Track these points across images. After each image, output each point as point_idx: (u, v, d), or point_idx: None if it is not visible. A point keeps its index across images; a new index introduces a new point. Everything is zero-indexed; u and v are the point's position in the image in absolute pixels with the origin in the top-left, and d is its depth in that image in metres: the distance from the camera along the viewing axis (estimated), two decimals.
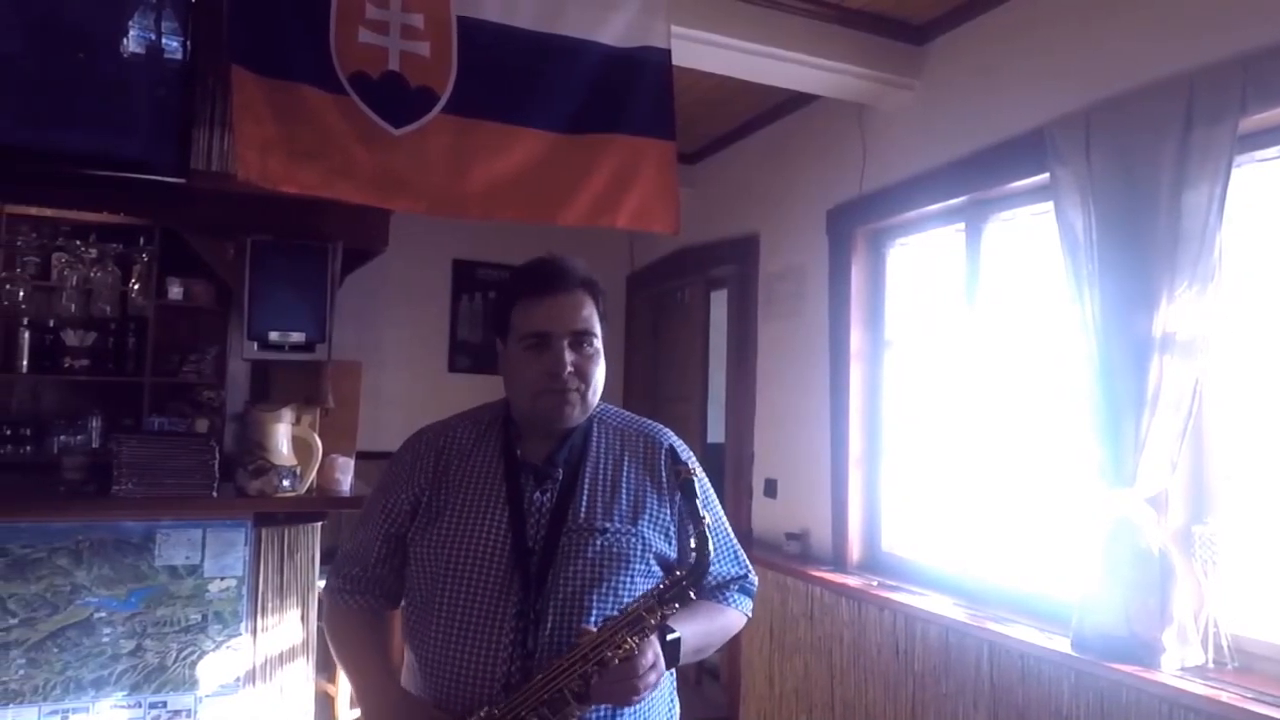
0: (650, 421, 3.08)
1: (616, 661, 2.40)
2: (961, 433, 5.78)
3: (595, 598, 2.64)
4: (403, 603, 2.95)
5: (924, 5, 5.76)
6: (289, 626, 5.62)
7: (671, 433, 3.05)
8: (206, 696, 5.37)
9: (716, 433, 8.69)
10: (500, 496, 2.77)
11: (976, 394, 5.68)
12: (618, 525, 2.75)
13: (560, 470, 2.80)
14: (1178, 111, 4.24)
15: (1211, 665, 4.22)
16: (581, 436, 2.88)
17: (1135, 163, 4.41)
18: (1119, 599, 4.34)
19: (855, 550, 6.56)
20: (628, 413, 3.09)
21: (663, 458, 2.89)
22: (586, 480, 2.81)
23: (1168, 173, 4.25)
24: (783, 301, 7.53)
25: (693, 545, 2.51)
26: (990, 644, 5.01)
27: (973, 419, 5.69)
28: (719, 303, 8.71)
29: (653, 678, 2.46)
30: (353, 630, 2.94)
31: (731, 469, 8.12)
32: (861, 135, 6.63)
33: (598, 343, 2.83)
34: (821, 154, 7.14)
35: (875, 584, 6.00)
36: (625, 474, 2.85)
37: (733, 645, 7.41)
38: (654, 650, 2.48)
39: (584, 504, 2.76)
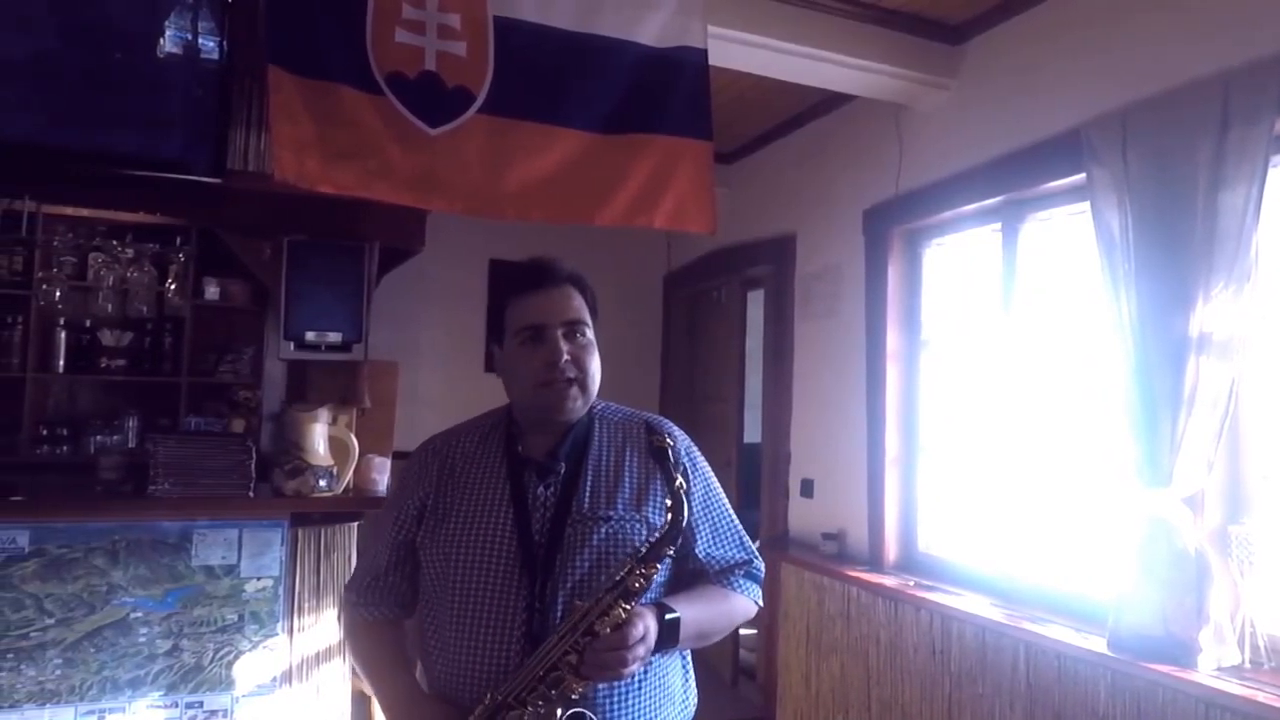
0: (651, 413, 3.10)
1: (607, 630, 2.42)
2: (998, 432, 5.76)
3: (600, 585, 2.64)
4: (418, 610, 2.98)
5: (961, 5, 5.76)
6: (325, 626, 5.64)
7: (671, 424, 3.07)
8: (243, 696, 5.41)
9: (753, 433, 8.69)
10: (504, 494, 2.80)
11: (1013, 394, 5.66)
12: (621, 513, 2.78)
13: (563, 464, 2.83)
14: (1214, 112, 4.23)
15: (1248, 665, 4.21)
16: (583, 431, 2.91)
17: (1172, 163, 4.40)
18: (1155, 599, 4.34)
19: (892, 550, 6.56)
20: (627, 407, 3.11)
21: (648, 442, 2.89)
22: (589, 471, 2.85)
23: (1204, 173, 4.25)
24: (819, 301, 7.53)
25: (668, 504, 2.54)
26: (1026, 644, 5.00)
27: (1009, 419, 5.68)
28: (756, 303, 8.72)
29: (641, 650, 2.47)
30: (370, 639, 2.98)
31: (768, 469, 8.13)
32: (898, 135, 6.62)
33: (590, 333, 2.87)
34: (858, 154, 7.13)
35: (911, 584, 6.00)
36: (628, 463, 2.89)
37: (769, 645, 7.43)
38: (645, 623, 2.50)
39: (587, 494, 2.80)
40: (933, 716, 5.60)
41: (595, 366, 2.86)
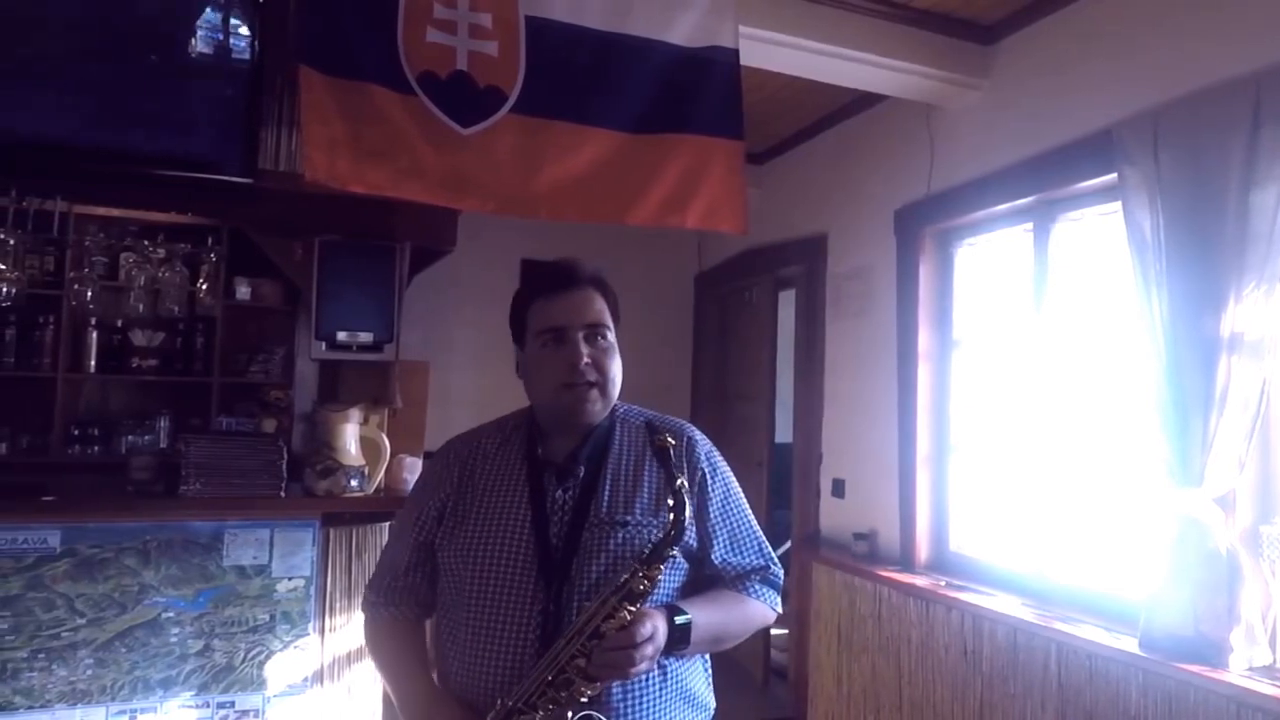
0: (672, 418, 3.09)
1: (612, 631, 2.43)
2: (1029, 432, 5.76)
3: None
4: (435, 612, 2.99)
5: (992, 5, 5.76)
6: (357, 627, 5.63)
7: (694, 427, 3.08)
8: (274, 696, 5.42)
9: (785, 433, 8.68)
10: (523, 497, 2.80)
11: (1044, 394, 5.66)
12: (639, 518, 2.76)
13: (582, 467, 2.83)
14: (1245, 112, 4.22)
15: (1279, 665, 4.20)
16: (604, 434, 2.91)
17: (1203, 163, 4.39)
18: (1187, 599, 4.33)
19: (923, 550, 6.56)
20: (650, 411, 3.10)
21: (683, 448, 2.91)
22: (609, 475, 2.84)
23: (1236, 173, 4.24)
24: (851, 301, 7.53)
25: (669, 504, 2.54)
26: (1058, 644, 5.00)
27: (1040, 419, 5.67)
28: (787, 303, 8.72)
29: (649, 650, 2.46)
30: (388, 640, 2.98)
31: (799, 469, 8.12)
32: (929, 135, 6.62)
33: (611, 336, 2.87)
34: (889, 154, 7.14)
35: (943, 584, 6.00)
36: (647, 467, 2.87)
37: (800, 645, 7.43)
38: (653, 623, 2.49)
39: (606, 499, 2.79)
40: (964, 717, 5.59)
41: (616, 369, 2.86)
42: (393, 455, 5.95)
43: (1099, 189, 5.30)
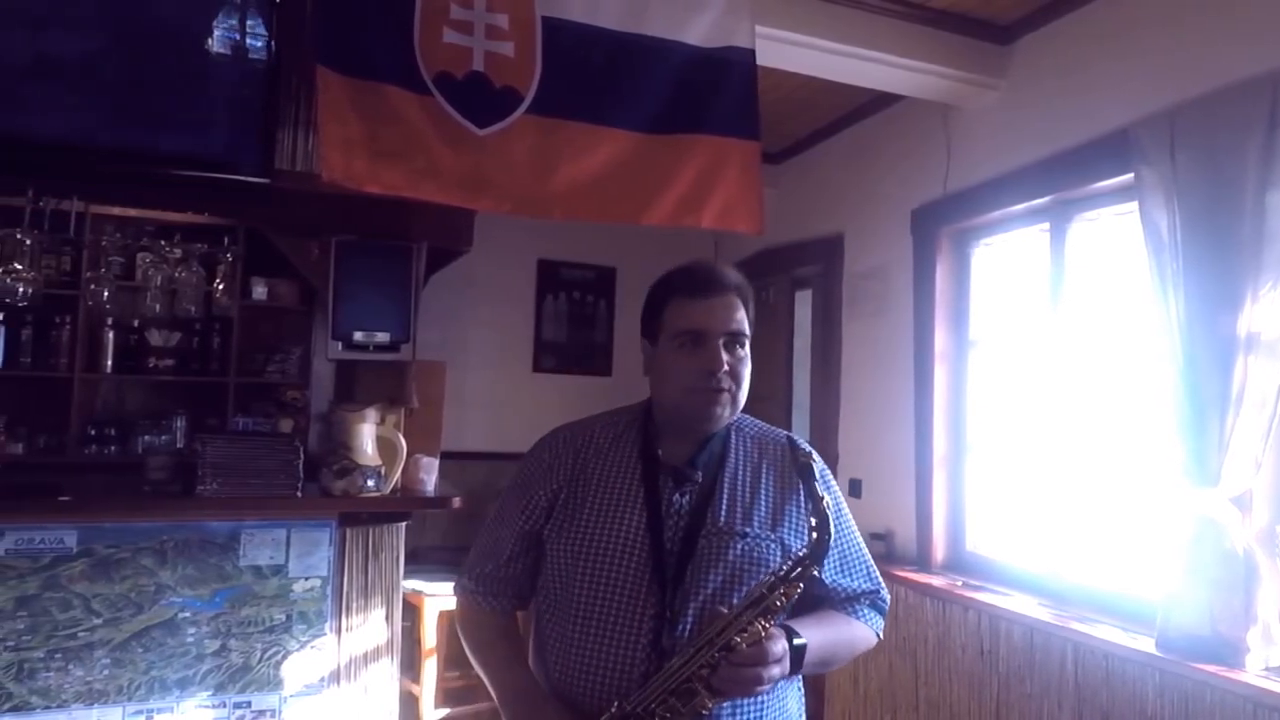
0: (785, 431, 3.05)
1: (744, 646, 2.38)
2: (1046, 432, 5.75)
3: (733, 601, 2.58)
4: (533, 602, 2.95)
5: (1009, 5, 5.75)
6: (373, 626, 5.67)
7: (803, 440, 2.99)
8: (291, 696, 5.44)
9: (801, 433, 8.55)
10: (638, 497, 2.76)
11: (1061, 394, 5.65)
12: (757, 530, 2.73)
13: (699, 473, 2.78)
14: (1262, 112, 4.21)
15: None
16: (720, 442, 2.87)
17: (1220, 163, 4.39)
18: (1203, 599, 4.33)
19: (940, 550, 6.55)
20: (762, 422, 3.07)
21: (792, 457, 2.86)
22: (726, 484, 2.80)
23: (1252, 173, 4.23)
24: (867, 301, 7.52)
25: (813, 524, 2.52)
26: (1075, 644, 5.00)
27: (1057, 419, 5.67)
28: (803, 303, 8.69)
29: (777, 670, 2.44)
30: (489, 631, 2.94)
31: None
32: (946, 135, 6.62)
33: (749, 347, 2.84)
34: (906, 154, 7.13)
35: (960, 584, 5.99)
36: (764, 481, 2.84)
37: None
38: (783, 643, 2.47)
39: (724, 508, 2.75)
40: (981, 716, 5.59)
41: (748, 381, 2.84)
42: (409, 455, 5.96)
43: (1115, 189, 5.29)
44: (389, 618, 5.71)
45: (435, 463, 6.12)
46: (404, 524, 5.85)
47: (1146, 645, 4.59)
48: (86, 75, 4.85)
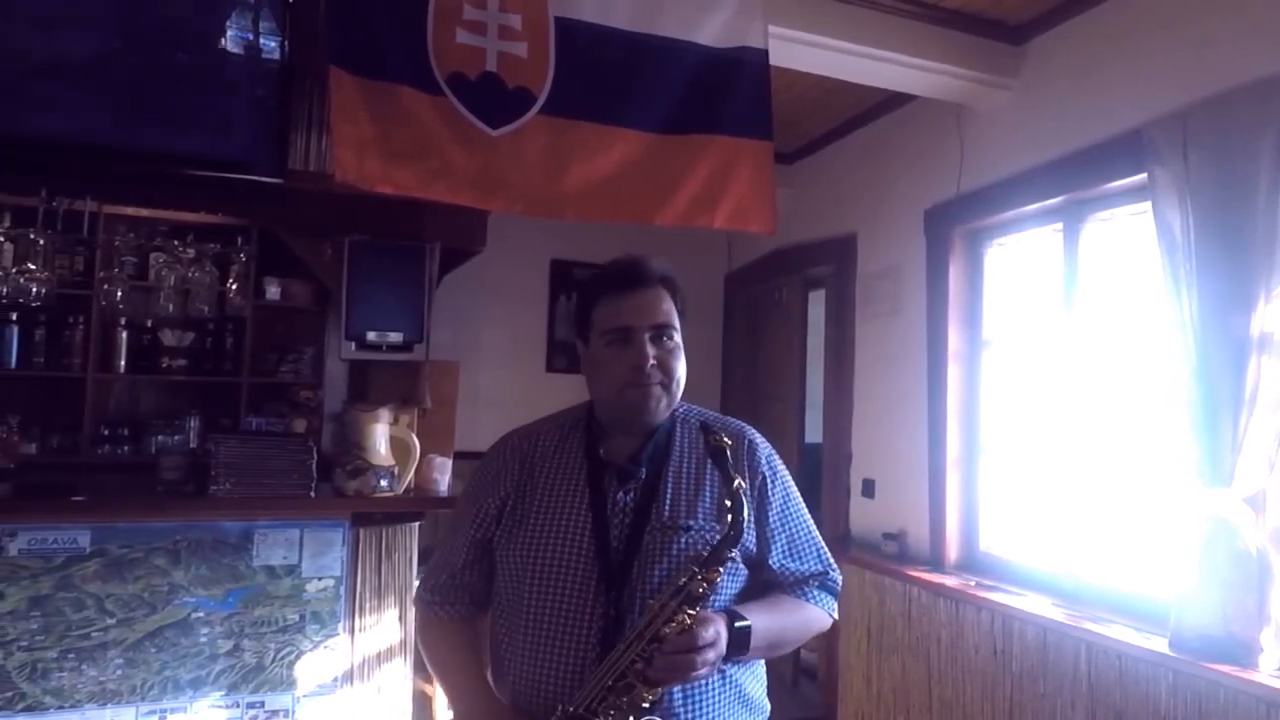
0: (733, 419, 3.06)
1: (673, 635, 2.40)
2: (1059, 432, 5.74)
3: None
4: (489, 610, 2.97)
5: (1022, 5, 5.75)
6: (387, 627, 5.67)
7: (754, 430, 3.04)
8: (304, 696, 5.44)
9: (814, 433, 8.67)
10: (584, 498, 2.77)
11: (1074, 394, 5.65)
12: (701, 523, 2.72)
13: (644, 469, 2.79)
14: (1274, 112, 4.21)
15: None
16: (664, 435, 2.87)
17: (1233, 163, 4.38)
18: (1216, 599, 4.32)
19: (953, 550, 6.55)
20: (710, 411, 3.07)
21: (743, 451, 2.89)
22: (670, 478, 2.80)
23: (1265, 173, 4.22)
24: (880, 301, 7.53)
25: (727, 505, 2.52)
26: (1088, 644, 5.00)
27: (1070, 419, 5.66)
28: (816, 303, 8.70)
29: (711, 655, 2.44)
30: (444, 639, 2.96)
31: (829, 469, 8.12)
32: (959, 135, 6.61)
33: (678, 337, 2.83)
34: (919, 154, 7.13)
35: (973, 584, 5.99)
36: (709, 472, 2.82)
37: (830, 645, 7.42)
38: (715, 628, 2.46)
39: (668, 502, 2.75)
40: (994, 717, 5.59)
41: (681, 370, 2.83)
42: (422, 455, 5.96)
43: (1129, 189, 5.29)
44: (402, 618, 5.71)
45: (448, 463, 6.12)
46: (417, 524, 5.84)
47: (1160, 645, 4.59)
48: (100, 76, 4.87)
